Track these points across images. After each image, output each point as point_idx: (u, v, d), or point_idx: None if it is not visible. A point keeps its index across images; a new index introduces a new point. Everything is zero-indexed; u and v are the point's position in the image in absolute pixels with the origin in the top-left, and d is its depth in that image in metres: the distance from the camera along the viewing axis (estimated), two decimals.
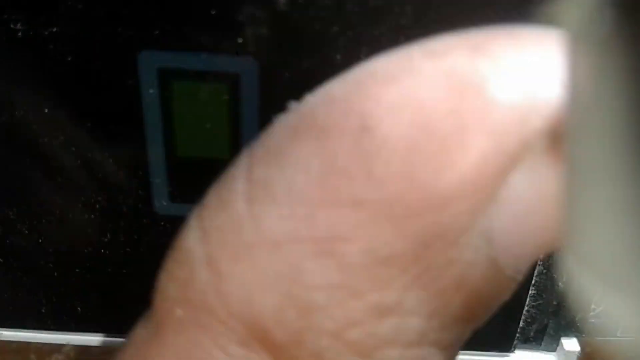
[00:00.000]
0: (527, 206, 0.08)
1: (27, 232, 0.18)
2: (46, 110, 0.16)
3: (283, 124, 0.09)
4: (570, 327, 0.22)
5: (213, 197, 0.10)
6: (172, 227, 0.18)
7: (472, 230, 0.08)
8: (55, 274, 0.19)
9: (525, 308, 0.20)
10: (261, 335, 0.09)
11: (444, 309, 0.09)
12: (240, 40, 0.15)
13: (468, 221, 0.08)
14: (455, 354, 0.10)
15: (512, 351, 0.22)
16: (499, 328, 0.21)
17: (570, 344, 0.22)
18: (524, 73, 0.08)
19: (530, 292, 0.20)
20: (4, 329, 0.21)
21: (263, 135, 0.09)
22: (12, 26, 0.14)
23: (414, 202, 0.08)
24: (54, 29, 0.14)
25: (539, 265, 0.19)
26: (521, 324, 0.21)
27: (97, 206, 0.17)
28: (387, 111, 0.08)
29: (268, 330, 0.09)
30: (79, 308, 0.20)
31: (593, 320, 0.20)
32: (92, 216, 0.18)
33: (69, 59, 0.15)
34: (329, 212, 0.08)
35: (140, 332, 0.10)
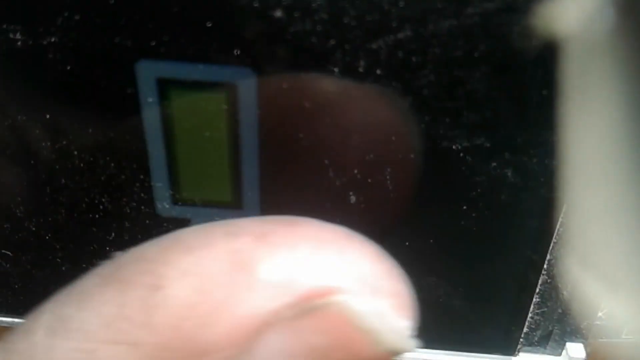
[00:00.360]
0: (277, 357, 0.10)
1: (34, 228, 0.18)
2: (47, 117, 0.16)
3: (98, 271, 0.11)
4: (575, 333, 0.21)
5: (23, 324, 0.11)
6: (173, 227, 0.18)
7: None
8: (63, 268, 0.19)
9: (530, 315, 0.20)
10: None
11: None
12: (237, 52, 0.15)
13: None
14: None
15: (516, 354, 0.22)
16: (502, 334, 0.21)
17: (576, 350, 0.22)
18: (289, 262, 0.10)
19: (534, 299, 0.20)
20: (16, 316, 0.21)
21: (83, 277, 0.11)
22: (11, 36, 0.14)
23: (179, 349, 0.10)
24: (53, 39, 0.14)
25: (543, 274, 0.19)
26: (525, 329, 0.21)
27: (101, 207, 0.18)
28: (179, 275, 0.10)
29: None
30: None
31: (598, 323, 0.20)
32: (97, 216, 0.18)
33: (68, 68, 0.15)
34: (110, 349, 0.10)
35: None
